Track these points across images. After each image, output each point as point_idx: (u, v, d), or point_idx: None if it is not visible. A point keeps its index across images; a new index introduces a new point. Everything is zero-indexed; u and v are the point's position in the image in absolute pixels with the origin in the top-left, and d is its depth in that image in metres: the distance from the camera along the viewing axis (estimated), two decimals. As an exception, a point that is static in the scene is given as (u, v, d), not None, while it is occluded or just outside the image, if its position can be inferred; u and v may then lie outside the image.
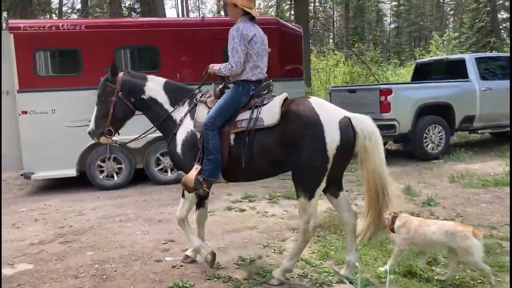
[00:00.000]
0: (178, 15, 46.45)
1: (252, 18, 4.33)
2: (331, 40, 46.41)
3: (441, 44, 26.51)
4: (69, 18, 25.10)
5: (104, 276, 4.33)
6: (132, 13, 24.41)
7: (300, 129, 3.72)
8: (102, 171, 8.30)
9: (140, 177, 8.54)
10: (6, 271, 4.57)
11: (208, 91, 4.47)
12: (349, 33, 36.53)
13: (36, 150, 7.86)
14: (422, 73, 11.98)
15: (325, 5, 48.97)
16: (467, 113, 10.00)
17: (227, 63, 4.16)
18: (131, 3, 26.39)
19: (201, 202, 4.51)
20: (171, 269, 4.45)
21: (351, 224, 4.02)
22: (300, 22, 16.14)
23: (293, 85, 9.27)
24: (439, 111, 9.91)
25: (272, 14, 36.59)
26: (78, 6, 27.42)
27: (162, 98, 4.42)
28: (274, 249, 4.82)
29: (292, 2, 34.96)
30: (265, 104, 4.02)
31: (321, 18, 40.72)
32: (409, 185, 7.28)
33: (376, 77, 22.37)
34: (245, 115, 4.03)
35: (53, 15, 27.62)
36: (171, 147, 4.37)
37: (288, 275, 4.09)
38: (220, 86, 4.35)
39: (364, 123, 3.83)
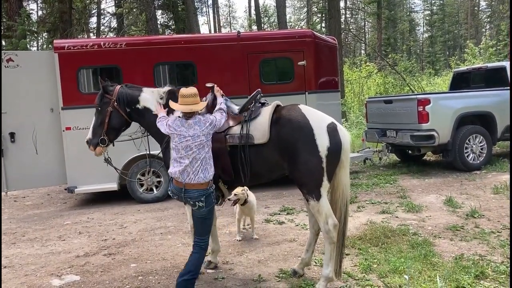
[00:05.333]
0: (210, 31, 47.32)
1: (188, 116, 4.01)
2: (363, 51, 46.15)
3: (478, 53, 25.83)
4: (107, 36, 25.91)
5: (149, 288, 4.41)
6: (167, 30, 24.95)
7: (293, 133, 3.98)
8: (142, 185, 8.49)
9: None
10: (54, 282, 4.73)
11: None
12: (382, 44, 36.20)
13: (79, 165, 8.13)
14: (461, 82, 11.73)
15: (357, 16, 48.78)
16: (509, 122, 9.69)
17: None
18: (166, 20, 27.02)
19: None
20: (213, 281, 4.49)
21: (317, 229, 4.33)
22: (333, 34, 16.16)
23: (329, 97, 9.26)
24: (479, 121, 9.68)
25: (303, 27, 36.67)
26: (114, 24, 28.29)
27: (156, 107, 4.56)
28: (316, 262, 4.78)
29: (323, 15, 35.03)
30: (253, 118, 4.21)
31: (352, 30, 40.58)
32: (451, 196, 7.12)
33: (411, 87, 22.01)
34: (235, 130, 4.24)
35: (91, 34, 28.60)
36: (165, 152, 4.57)
37: (330, 285, 4.07)
38: (211, 96, 4.52)
39: (345, 136, 4.08)
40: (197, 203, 3.86)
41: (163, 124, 4.05)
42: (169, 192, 4.06)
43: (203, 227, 3.99)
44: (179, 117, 4.01)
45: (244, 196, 5.50)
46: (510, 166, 9.15)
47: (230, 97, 4.83)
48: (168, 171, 4.01)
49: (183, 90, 3.98)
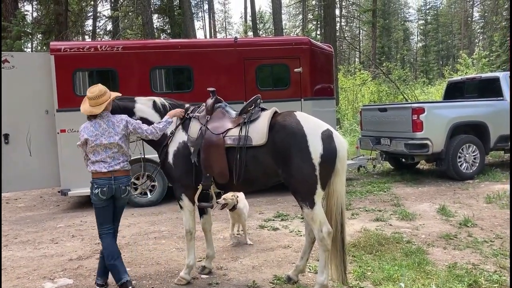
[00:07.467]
0: (205, 36, 47.37)
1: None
2: (357, 59, 46.42)
3: (471, 63, 26.10)
4: (103, 40, 25.82)
5: (142, 292, 4.38)
6: (162, 34, 24.94)
7: (287, 139, 3.96)
8: (136, 189, 8.45)
9: (173, 195, 8.62)
10: (47, 285, 4.69)
11: (201, 105, 4.62)
12: (376, 52, 36.43)
13: (73, 168, 8.06)
14: (454, 92, 11.83)
15: (352, 24, 49.11)
16: (502, 132, 9.77)
17: None
18: (162, 25, 27.04)
19: (204, 210, 4.77)
20: (207, 287, 4.48)
21: (313, 236, 4.26)
22: (328, 41, 16.26)
23: (324, 103, 9.31)
24: (473, 130, 9.76)
25: (299, 34, 36.83)
26: (110, 27, 28.23)
27: (152, 116, 4.61)
28: (310, 268, 4.78)
29: (318, 23, 35.23)
30: (253, 121, 4.22)
31: (347, 38, 40.81)
32: (444, 205, 7.16)
33: (405, 95, 22.16)
34: (234, 131, 4.24)
35: (86, 37, 28.53)
36: (162, 158, 4.58)
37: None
38: (213, 100, 4.53)
39: (342, 144, 4.05)
40: (127, 187, 4.22)
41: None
42: (95, 194, 4.13)
43: (120, 215, 4.50)
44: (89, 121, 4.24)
45: (233, 201, 5.50)
46: (510, 173, 9.19)
47: (227, 102, 4.84)
48: (91, 170, 4.18)
49: (88, 93, 4.20)
